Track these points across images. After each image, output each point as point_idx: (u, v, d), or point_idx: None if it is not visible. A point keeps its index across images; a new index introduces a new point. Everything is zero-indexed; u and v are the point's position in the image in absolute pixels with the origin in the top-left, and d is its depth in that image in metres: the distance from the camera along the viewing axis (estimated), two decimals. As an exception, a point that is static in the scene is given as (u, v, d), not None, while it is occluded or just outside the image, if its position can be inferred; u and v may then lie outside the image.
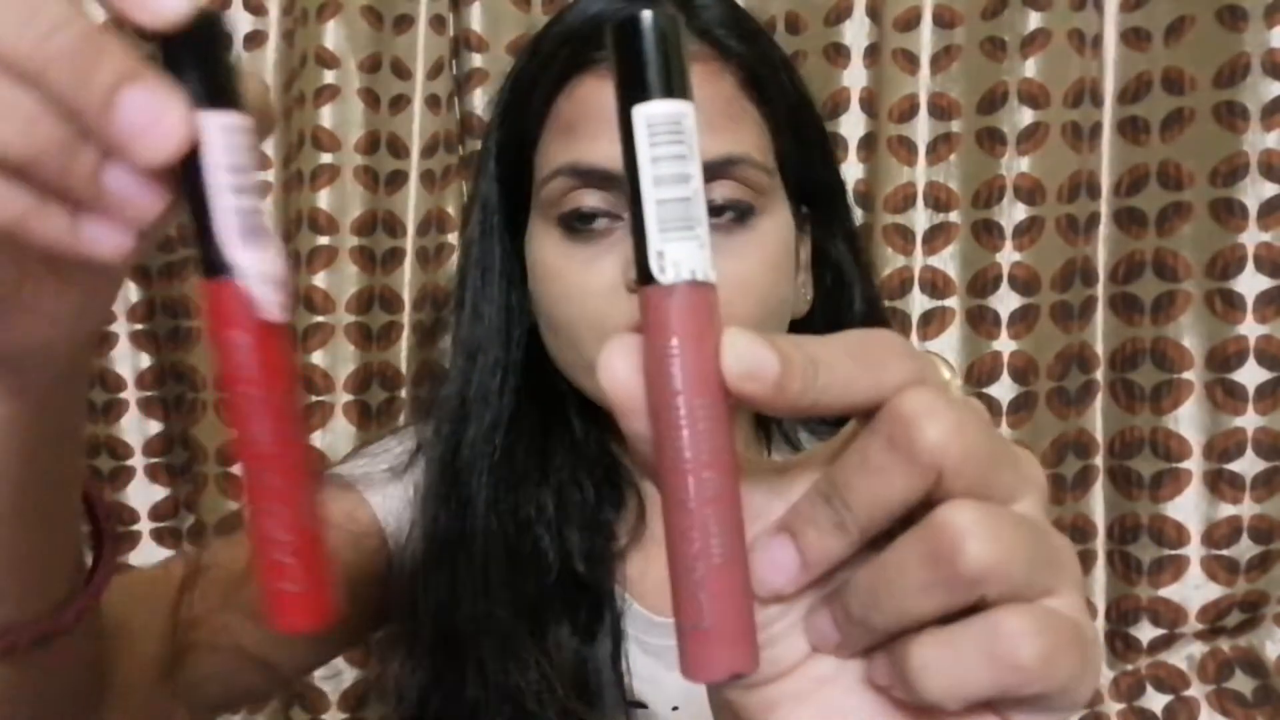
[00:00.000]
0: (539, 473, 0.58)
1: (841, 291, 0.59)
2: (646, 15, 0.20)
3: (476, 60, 0.99)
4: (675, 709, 0.57)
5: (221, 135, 0.21)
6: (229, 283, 0.21)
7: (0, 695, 0.35)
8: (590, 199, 0.51)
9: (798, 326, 0.59)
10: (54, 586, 0.35)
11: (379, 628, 0.61)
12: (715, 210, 0.50)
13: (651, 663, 0.57)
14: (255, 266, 0.21)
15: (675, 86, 0.20)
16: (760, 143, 0.51)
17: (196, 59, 0.21)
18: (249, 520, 0.22)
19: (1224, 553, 0.89)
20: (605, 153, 0.50)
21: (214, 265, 0.21)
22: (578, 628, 0.56)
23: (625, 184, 0.21)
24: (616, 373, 0.21)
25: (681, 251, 0.20)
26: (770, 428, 0.64)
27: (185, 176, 0.21)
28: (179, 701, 0.48)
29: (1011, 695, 0.21)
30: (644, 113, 0.20)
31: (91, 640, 0.40)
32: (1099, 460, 0.94)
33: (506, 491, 0.57)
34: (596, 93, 0.51)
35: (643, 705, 0.57)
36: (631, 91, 0.20)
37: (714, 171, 0.49)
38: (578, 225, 0.52)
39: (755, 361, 0.20)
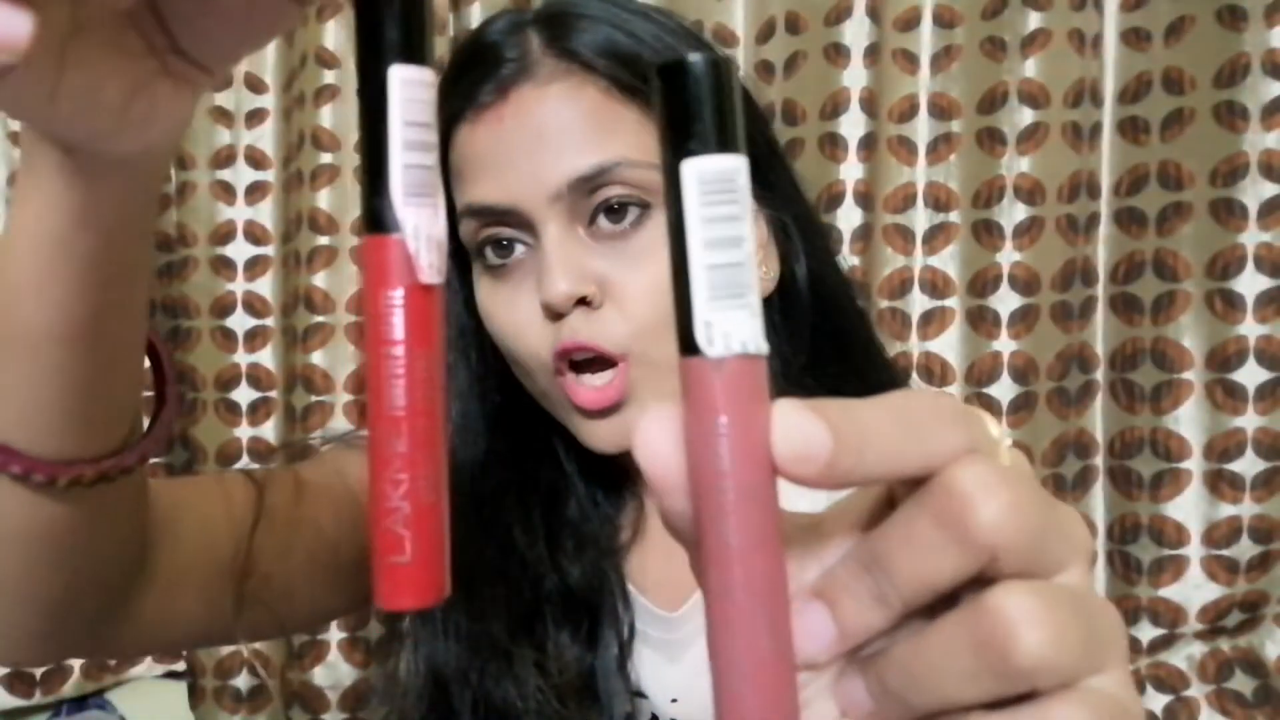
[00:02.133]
0: (520, 491, 0.58)
1: (783, 261, 0.59)
2: (697, 59, 0.19)
3: (476, 60, 0.99)
4: (674, 700, 0.57)
5: (404, 89, 0.21)
6: (389, 239, 0.21)
7: (54, 532, 0.37)
8: (501, 234, 0.53)
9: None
10: (118, 423, 0.37)
11: None
12: (610, 216, 0.51)
13: (652, 655, 0.57)
14: (418, 226, 0.21)
15: (729, 138, 0.19)
16: (641, 143, 0.52)
17: (391, 11, 0.21)
18: (369, 487, 0.21)
19: (1224, 553, 0.89)
20: (490, 190, 0.52)
21: (377, 219, 0.21)
22: (579, 635, 0.56)
23: (670, 243, 0.19)
24: (656, 448, 0.20)
25: (732, 321, 0.19)
26: None
27: (364, 127, 0.21)
28: (239, 628, 0.51)
29: None
30: (695, 169, 0.19)
31: (140, 503, 0.42)
32: (1099, 460, 0.94)
33: (489, 513, 0.57)
34: (469, 141, 0.53)
35: (643, 695, 0.57)
36: (680, 143, 0.19)
37: (592, 182, 0.51)
38: (495, 260, 0.54)
39: (807, 442, 0.19)
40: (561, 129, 0.51)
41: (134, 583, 0.45)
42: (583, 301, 0.50)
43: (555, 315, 0.51)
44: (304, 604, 0.57)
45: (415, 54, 0.21)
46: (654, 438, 0.20)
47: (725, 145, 0.19)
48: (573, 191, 0.50)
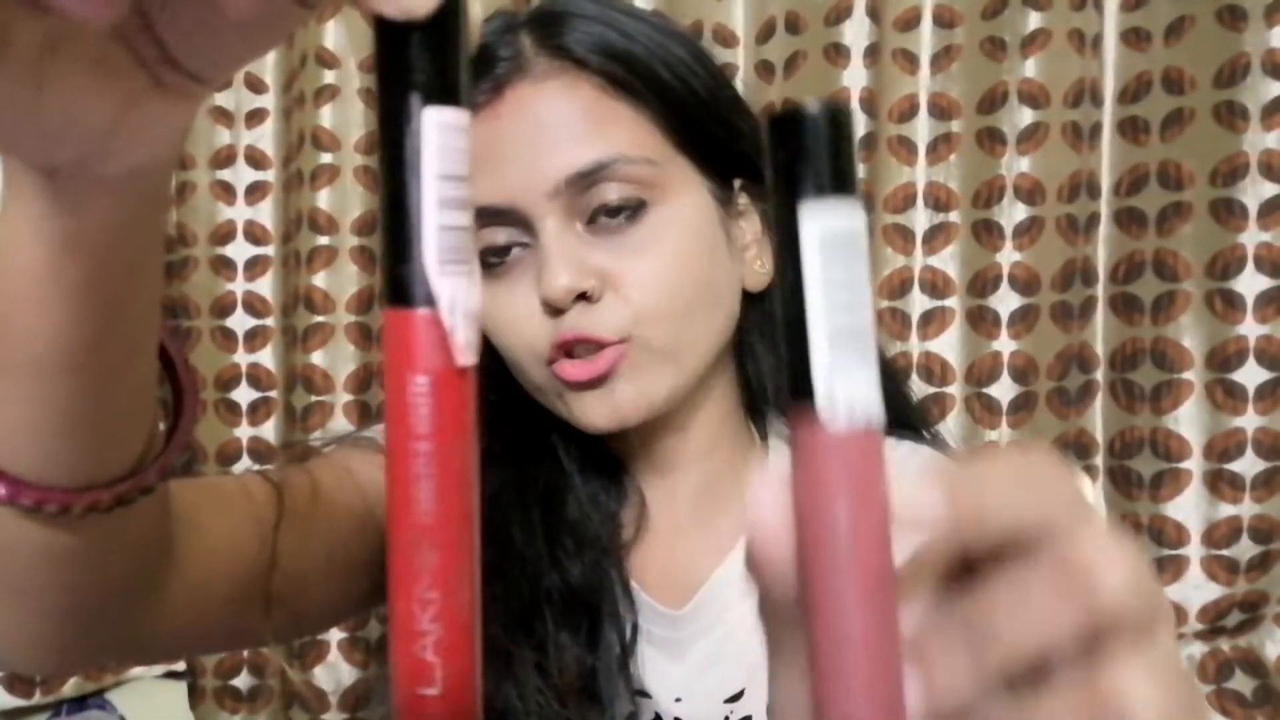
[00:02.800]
0: (518, 490, 0.58)
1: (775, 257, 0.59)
2: (816, 108, 0.18)
3: (476, 60, 0.99)
4: (678, 700, 0.57)
5: (439, 136, 0.18)
6: (415, 314, 0.17)
7: (74, 556, 0.35)
8: (499, 235, 0.53)
9: (757, 299, 0.59)
10: (131, 443, 0.35)
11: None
12: (608, 212, 0.52)
13: (655, 653, 0.57)
14: (454, 298, 0.18)
15: (849, 193, 0.18)
16: (636, 138, 0.52)
17: (422, 41, 0.18)
18: (390, 601, 0.18)
19: (1224, 553, 0.89)
20: (487, 190, 0.52)
21: (403, 290, 0.17)
22: (579, 635, 0.56)
23: (783, 304, 0.18)
24: (765, 522, 0.19)
25: (856, 390, 0.18)
26: (763, 412, 0.63)
27: (387, 178, 0.18)
28: (268, 627, 0.50)
29: None
30: (817, 229, 0.18)
31: (163, 511, 0.41)
32: (1099, 460, 0.94)
33: (486, 513, 0.57)
34: None
35: (646, 695, 0.57)
36: (798, 200, 0.18)
37: (590, 178, 0.51)
38: (492, 261, 0.54)
39: (930, 517, 0.18)
40: (559, 124, 0.51)
41: (160, 586, 0.44)
42: (582, 297, 0.51)
43: (555, 311, 0.51)
44: (317, 604, 0.56)
45: (450, 92, 0.18)
46: (764, 509, 0.19)
47: (847, 200, 0.18)
48: (570, 187, 0.51)
